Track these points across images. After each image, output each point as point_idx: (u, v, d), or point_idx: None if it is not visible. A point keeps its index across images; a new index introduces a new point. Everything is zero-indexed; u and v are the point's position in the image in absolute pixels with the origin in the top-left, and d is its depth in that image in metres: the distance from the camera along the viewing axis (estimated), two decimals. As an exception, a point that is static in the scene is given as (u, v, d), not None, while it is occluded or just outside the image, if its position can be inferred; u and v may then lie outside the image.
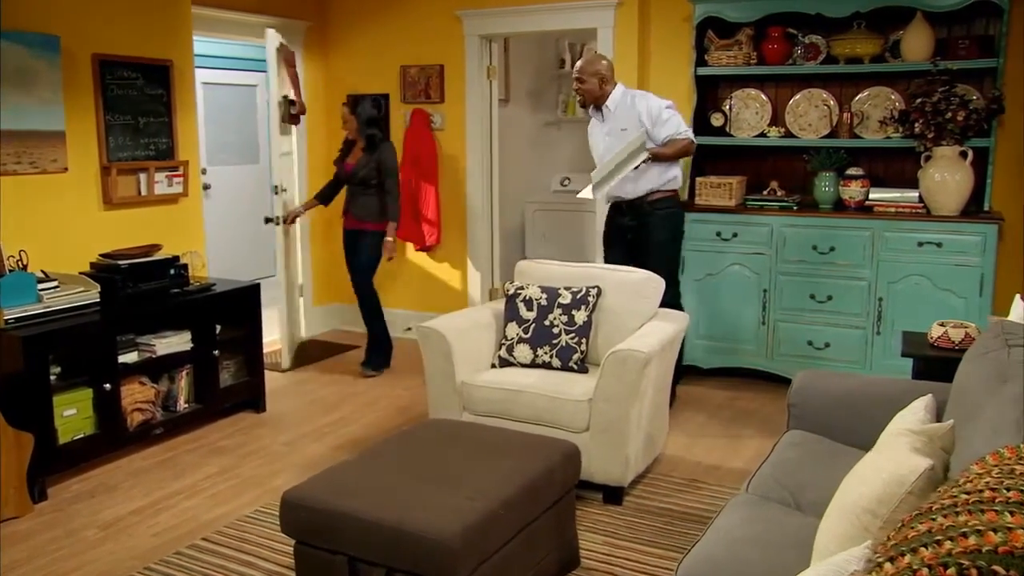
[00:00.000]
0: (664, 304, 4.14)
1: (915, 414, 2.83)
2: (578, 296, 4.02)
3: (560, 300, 4.03)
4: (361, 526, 2.51)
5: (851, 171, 4.92)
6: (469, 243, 6.23)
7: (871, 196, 4.86)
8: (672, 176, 4.72)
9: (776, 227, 4.91)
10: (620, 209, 4.79)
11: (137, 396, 4.18)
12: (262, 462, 4.15)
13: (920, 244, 4.60)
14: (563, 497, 3.00)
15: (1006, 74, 4.57)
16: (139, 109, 4.70)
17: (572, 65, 7.77)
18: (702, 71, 5.20)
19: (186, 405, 4.47)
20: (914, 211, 4.70)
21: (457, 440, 3.04)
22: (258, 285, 4.78)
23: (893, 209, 4.75)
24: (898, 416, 2.91)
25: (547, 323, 4.00)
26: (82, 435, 3.93)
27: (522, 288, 4.12)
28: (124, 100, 4.61)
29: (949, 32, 4.80)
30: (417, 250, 6.31)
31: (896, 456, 2.12)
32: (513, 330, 4.05)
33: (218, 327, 4.57)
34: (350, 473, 2.77)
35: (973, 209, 4.63)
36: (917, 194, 4.72)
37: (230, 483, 3.91)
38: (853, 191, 4.88)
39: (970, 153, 4.53)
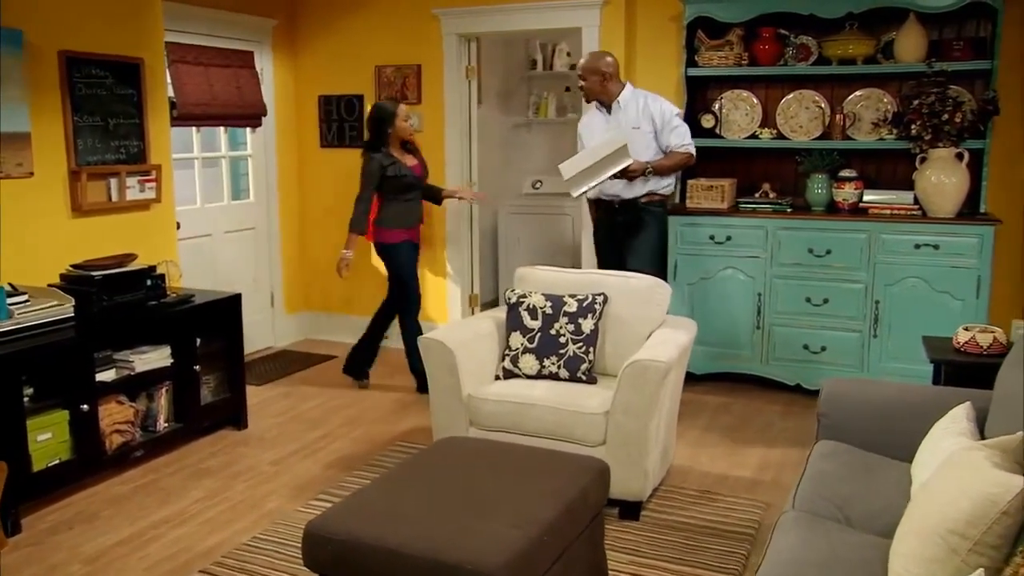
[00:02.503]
0: None
1: (957, 423, 2.76)
2: (584, 304, 3.88)
3: (566, 308, 3.88)
4: (395, 559, 2.32)
5: (844, 173, 4.87)
6: (448, 249, 6.04)
7: (865, 198, 4.83)
8: (669, 181, 4.76)
9: (771, 230, 4.84)
10: (612, 209, 4.78)
11: (116, 416, 3.91)
12: (251, 483, 3.91)
13: (917, 246, 4.57)
14: (595, 517, 2.85)
15: (999, 76, 4.56)
16: (109, 110, 4.41)
17: (543, 66, 7.68)
18: (692, 72, 5.11)
19: (166, 424, 4.20)
20: (910, 213, 4.67)
21: (482, 460, 2.87)
22: (239, 296, 4.53)
23: (889, 211, 4.71)
24: (938, 425, 2.84)
25: (553, 332, 3.85)
26: (58, 460, 3.65)
27: (524, 296, 3.97)
28: (93, 100, 4.33)
29: (941, 33, 4.79)
30: (394, 256, 6.09)
31: (980, 473, 2.02)
32: (517, 340, 3.89)
33: (198, 340, 4.32)
34: (375, 500, 2.58)
35: (968, 211, 4.62)
36: (912, 196, 4.69)
37: (221, 507, 3.67)
38: (847, 193, 4.84)
39: (966, 155, 4.51)
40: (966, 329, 3.40)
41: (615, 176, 4.49)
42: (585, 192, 4.56)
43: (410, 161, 5.03)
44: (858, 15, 4.74)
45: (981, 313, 4.48)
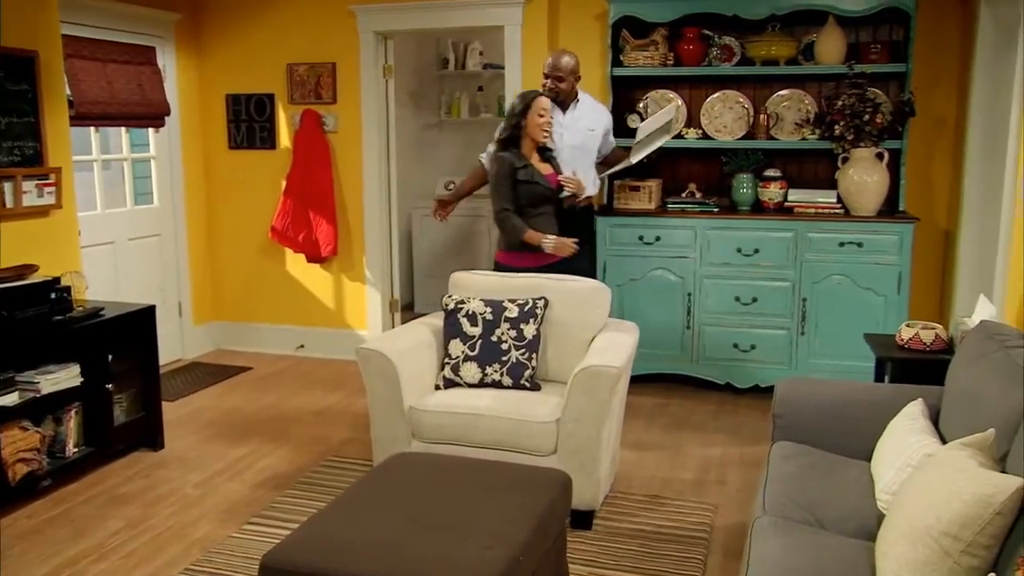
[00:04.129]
0: None
1: (915, 420, 2.78)
2: (525, 309, 3.77)
3: (507, 314, 3.76)
4: (365, 590, 2.16)
5: (769, 172, 4.94)
6: (367, 253, 5.84)
7: (790, 197, 4.90)
8: (599, 182, 4.72)
9: (700, 230, 4.85)
10: None
11: (19, 444, 3.57)
12: (175, 509, 3.64)
13: (841, 244, 4.66)
14: (561, 531, 2.75)
15: (914, 78, 4.69)
16: (1, 107, 4.04)
17: (456, 65, 7.54)
18: (618, 71, 5.08)
19: (76, 449, 3.88)
20: (833, 212, 4.76)
21: (440, 477, 2.73)
22: (152, 307, 4.23)
23: (813, 210, 4.79)
24: (895, 422, 2.86)
25: (495, 339, 3.73)
26: (-44, 495, 3.31)
27: (463, 302, 3.83)
28: (-16, 97, 3.96)
29: (858, 37, 4.90)
30: (310, 262, 5.85)
31: (971, 474, 2.01)
32: (457, 348, 3.75)
33: (110, 357, 4.00)
34: (335, 526, 2.40)
35: (888, 210, 4.74)
36: (836, 195, 4.78)
37: (144, 538, 3.39)
38: (772, 192, 4.90)
39: (886, 155, 4.63)
40: (908, 326, 3.46)
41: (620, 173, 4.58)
42: (641, 159, 4.62)
43: (546, 169, 4.22)
44: (780, 17, 4.81)
45: (903, 308, 4.60)
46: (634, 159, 4.59)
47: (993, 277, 4.40)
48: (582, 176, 4.37)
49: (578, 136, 4.49)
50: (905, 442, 2.65)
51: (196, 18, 5.86)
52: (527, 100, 4.09)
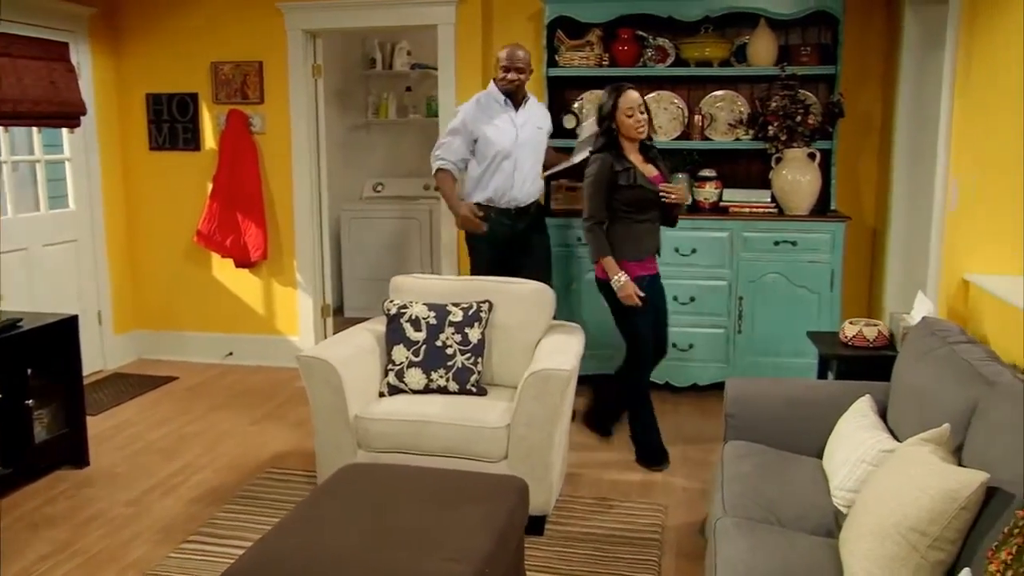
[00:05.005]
0: None
1: (865, 417, 2.83)
2: (470, 312, 3.71)
3: (451, 318, 3.70)
4: (326, 610, 2.07)
5: (704, 172, 4.98)
6: (298, 257, 5.68)
7: (725, 197, 4.95)
8: (542, 183, 4.71)
9: (636, 230, 4.86)
10: (510, 215, 4.47)
11: (-67, 466, 3.34)
12: (106, 530, 3.45)
13: (776, 243, 4.73)
14: (520, 539, 2.70)
15: (843, 81, 4.80)
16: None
17: (383, 65, 7.42)
18: (553, 72, 5.06)
19: (-6, 470, 3.65)
20: (767, 211, 4.84)
21: (396, 488, 2.65)
22: (75, 318, 4.01)
23: (748, 210, 4.86)
24: (845, 419, 2.90)
25: (439, 343, 3.66)
26: None
27: (405, 307, 3.75)
28: None
29: (787, 39, 4.99)
30: (238, 267, 5.66)
31: (935, 470, 2.04)
32: (401, 353, 3.67)
33: (29, 371, 3.78)
34: (293, 543, 2.30)
35: (820, 209, 4.84)
36: (770, 194, 4.86)
37: (74, 562, 3.20)
38: (708, 192, 4.95)
39: (818, 155, 4.72)
40: (852, 323, 3.52)
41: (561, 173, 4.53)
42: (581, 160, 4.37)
43: (650, 171, 3.90)
44: (713, 19, 4.86)
45: (835, 306, 4.70)
46: (576, 158, 4.54)
47: (920, 274, 4.53)
48: (533, 179, 4.38)
49: (530, 134, 4.43)
50: (857, 439, 2.69)
51: (112, 13, 5.61)
52: (615, 96, 3.73)
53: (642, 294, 3.83)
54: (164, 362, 5.78)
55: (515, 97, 4.40)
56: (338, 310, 6.91)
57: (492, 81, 4.45)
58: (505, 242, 4.46)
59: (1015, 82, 3.23)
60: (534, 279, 3.96)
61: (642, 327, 3.93)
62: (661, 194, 3.83)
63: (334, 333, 5.90)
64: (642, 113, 3.78)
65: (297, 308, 5.73)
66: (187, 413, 4.83)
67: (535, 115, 4.50)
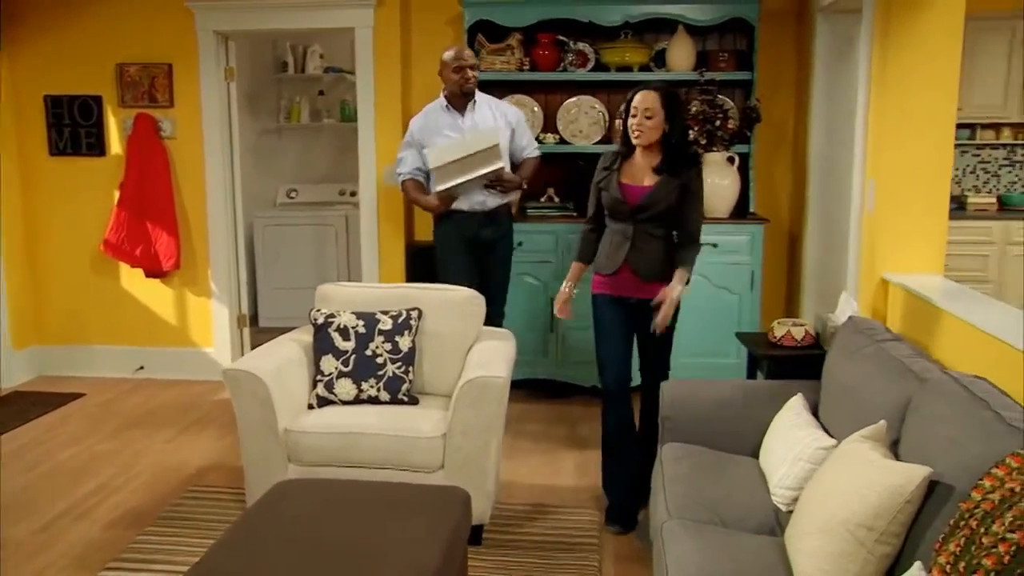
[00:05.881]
0: (493, 322, 4.04)
1: (799, 415, 2.89)
2: (399, 320, 3.64)
3: (380, 326, 3.62)
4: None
5: (626, 177, 5.02)
6: (212, 266, 5.49)
7: (647, 201, 5.00)
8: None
9: (561, 234, 4.88)
10: (475, 221, 4.35)
11: None
12: (14, 561, 3.24)
13: (698, 245, 4.80)
14: (464, 550, 2.66)
15: (759, 86, 4.92)
16: None
17: (295, 68, 7.25)
18: (475, 76, 5.02)
19: None
20: (688, 214, 4.91)
21: (335, 503, 2.56)
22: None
23: (669, 213, 4.92)
24: (780, 417, 2.95)
25: (369, 353, 3.57)
26: None
27: (333, 316, 3.65)
28: None
29: (705, 45, 5.09)
30: (148, 277, 5.43)
31: (878, 466, 2.08)
32: (330, 364, 3.57)
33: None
34: (229, 568, 2.19)
35: (738, 212, 4.94)
36: (689, 198, 4.93)
37: (-18, 596, 3.01)
38: (630, 197, 4.99)
39: (736, 159, 4.82)
40: (780, 323, 3.60)
41: (490, 185, 4.25)
42: (449, 188, 4.14)
43: (640, 180, 3.48)
44: (633, 24, 4.92)
45: (756, 306, 4.81)
46: (439, 187, 4.15)
47: (836, 275, 4.68)
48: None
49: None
50: (793, 437, 2.74)
51: (3, 9, 5.30)
52: (632, 94, 3.35)
53: (562, 307, 3.61)
54: (69, 378, 5.50)
55: (460, 102, 4.29)
56: (252, 320, 6.72)
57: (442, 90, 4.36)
58: (466, 250, 4.38)
59: (928, 89, 3.37)
60: (493, 291, 4.03)
61: (602, 353, 3.55)
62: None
63: (251, 344, 5.76)
64: (648, 118, 3.28)
65: (212, 319, 5.53)
66: (98, 431, 4.60)
67: (486, 117, 4.34)
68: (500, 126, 4.33)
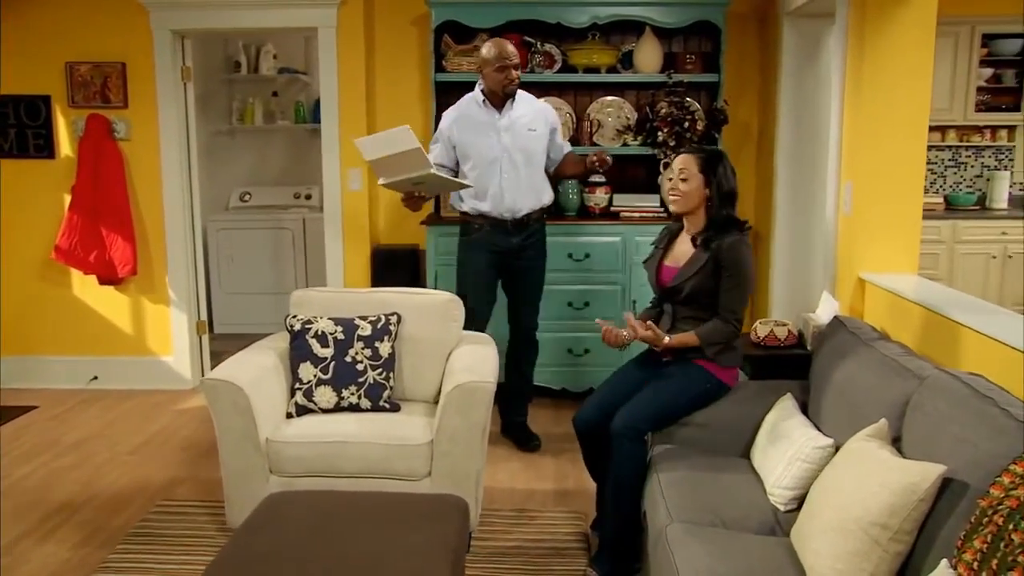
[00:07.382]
0: (528, 336, 4.28)
1: (791, 415, 2.91)
2: (379, 326, 3.57)
3: (359, 332, 3.54)
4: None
5: (594, 178, 5.02)
6: (170, 272, 5.32)
7: (615, 202, 5.01)
8: (551, 193, 4.33)
9: (531, 237, 4.84)
10: (504, 229, 4.13)
11: None
12: (-20, 584, 3.10)
13: (667, 247, 4.82)
14: (463, 560, 2.61)
15: (726, 88, 4.96)
16: None
17: (248, 69, 7.08)
18: (441, 77, 4.96)
19: None
20: (657, 215, 4.92)
21: (333, 516, 2.49)
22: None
23: (638, 214, 4.93)
24: (771, 417, 2.97)
25: (348, 359, 3.49)
26: None
27: (311, 322, 3.56)
28: None
29: (671, 47, 5.11)
30: (103, 284, 5.24)
31: (891, 464, 2.10)
32: (309, 371, 3.48)
33: None
34: (233, 587, 2.11)
35: (706, 212, 4.98)
36: (658, 199, 4.95)
37: (-53, 623, 2.85)
38: (598, 198, 4.99)
39: (704, 160, 4.85)
40: (763, 323, 3.62)
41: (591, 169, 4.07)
42: (390, 184, 3.75)
43: (677, 256, 3.27)
44: (601, 26, 4.91)
45: (724, 306, 4.83)
46: (381, 180, 3.78)
47: (805, 275, 4.75)
48: (530, 187, 4.07)
49: (520, 139, 4.05)
50: (788, 437, 2.75)
51: (-53, 8, 5.08)
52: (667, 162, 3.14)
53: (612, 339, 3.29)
54: (19, 390, 5.27)
55: (499, 99, 4.04)
56: (210, 326, 6.54)
57: (477, 84, 4.12)
58: (493, 262, 4.18)
59: (902, 89, 3.43)
60: (522, 306, 4.08)
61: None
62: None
63: (210, 351, 5.60)
64: (683, 180, 3.08)
65: (170, 326, 5.36)
66: (54, 446, 4.42)
67: (524, 116, 4.08)
68: (540, 132, 4.10)
